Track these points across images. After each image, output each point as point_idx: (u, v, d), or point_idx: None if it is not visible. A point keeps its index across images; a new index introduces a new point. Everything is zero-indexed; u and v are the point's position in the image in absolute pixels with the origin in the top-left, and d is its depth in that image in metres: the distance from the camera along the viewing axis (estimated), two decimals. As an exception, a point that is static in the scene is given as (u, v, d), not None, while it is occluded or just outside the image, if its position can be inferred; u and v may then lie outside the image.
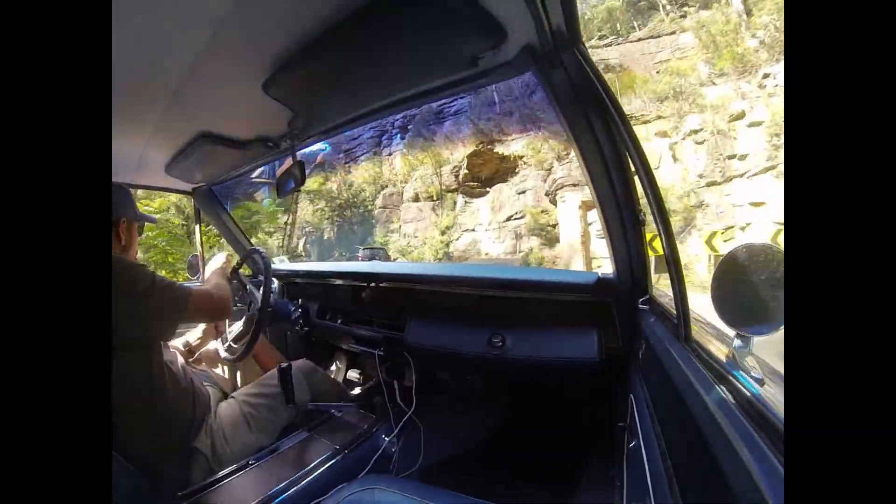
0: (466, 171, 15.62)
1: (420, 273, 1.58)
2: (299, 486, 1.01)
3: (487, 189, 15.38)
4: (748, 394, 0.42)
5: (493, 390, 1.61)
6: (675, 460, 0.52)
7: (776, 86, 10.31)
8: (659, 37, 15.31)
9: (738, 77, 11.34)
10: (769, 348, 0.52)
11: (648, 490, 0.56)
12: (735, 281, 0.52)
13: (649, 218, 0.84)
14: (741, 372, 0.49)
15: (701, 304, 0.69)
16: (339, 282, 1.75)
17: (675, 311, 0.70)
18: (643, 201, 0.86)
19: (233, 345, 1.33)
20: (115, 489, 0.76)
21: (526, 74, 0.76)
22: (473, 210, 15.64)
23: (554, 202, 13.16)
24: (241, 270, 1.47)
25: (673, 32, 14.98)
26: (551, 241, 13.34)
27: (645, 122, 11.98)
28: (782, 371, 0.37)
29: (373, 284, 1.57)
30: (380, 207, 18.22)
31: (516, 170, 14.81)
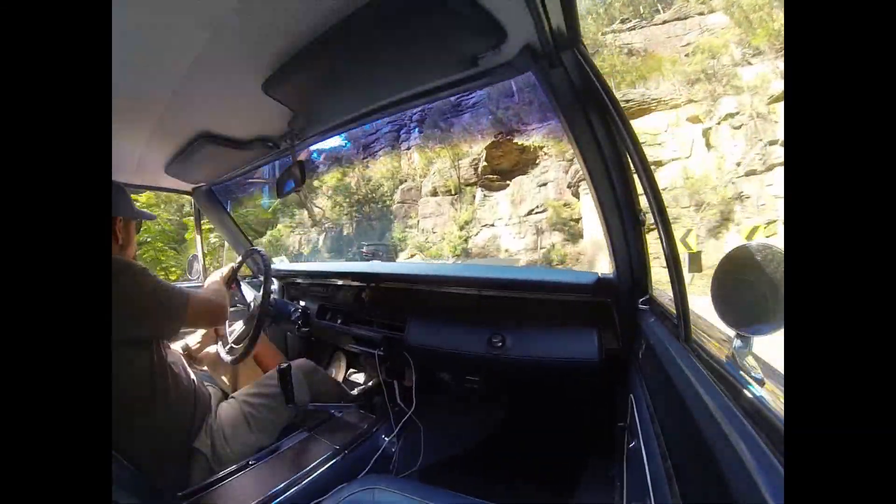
0: (485, 163, 15.11)
1: (420, 273, 1.58)
2: (299, 486, 1.01)
3: (507, 182, 14.81)
4: (748, 394, 0.42)
5: (493, 390, 1.61)
6: (675, 460, 0.52)
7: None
8: (686, 18, 14.01)
9: (776, 56, 10.36)
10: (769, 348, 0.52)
11: (648, 490, 0.56)
12: (735, 281, 0.52)
13: (650, 218, 0.84)
14: (741, 372, 0.49)
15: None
16: (339, 282, 1.75)
17: (675, 311, 0.70)
18: (643, 200, 0.86)
19: (234, 346, 1.33)
20: (115, 489, 0.76)
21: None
22: (493, 204, 15.12)
23: (577, 195, 12.30)
24: (241, 271, 1.47)
25: (701, 13, 13.59)
26: (574, 236, 12.61)
27: (675, 107, 11.17)
28: (782, 371, 0.37)
29: (373, 284, 1.57)
30: (398, 202, 17.90)
31: (537, 161, 14.18)
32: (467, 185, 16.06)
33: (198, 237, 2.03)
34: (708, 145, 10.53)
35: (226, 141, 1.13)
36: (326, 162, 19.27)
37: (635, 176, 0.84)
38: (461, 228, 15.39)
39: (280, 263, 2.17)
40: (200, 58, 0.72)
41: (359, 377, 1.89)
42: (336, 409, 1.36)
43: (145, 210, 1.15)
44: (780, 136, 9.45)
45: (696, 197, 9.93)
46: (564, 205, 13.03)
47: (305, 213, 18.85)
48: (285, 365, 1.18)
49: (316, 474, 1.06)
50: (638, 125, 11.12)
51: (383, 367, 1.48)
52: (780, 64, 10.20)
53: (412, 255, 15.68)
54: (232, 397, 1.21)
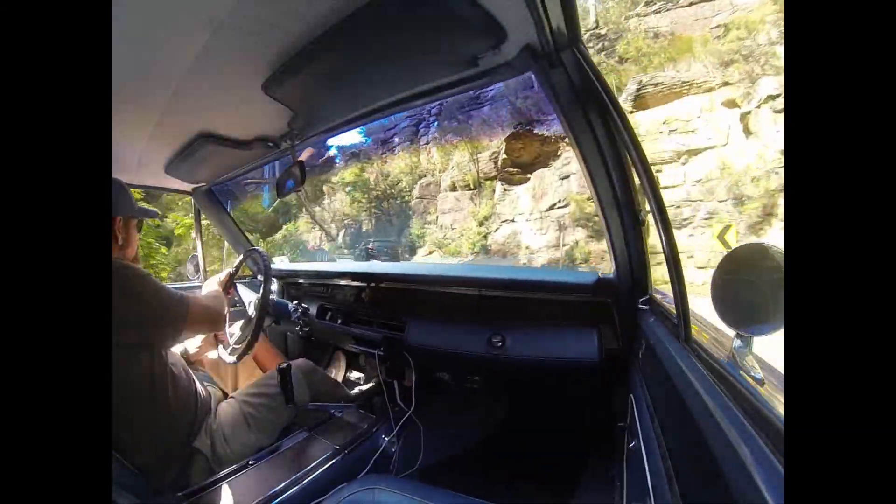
0: (505, 156, 14.17)
1: (420, 273, 1.58)
2: (299, 486, 1.01)
3: (528, 175, 13.91)
4: (748, 394, 0.42)
5: (493, 390, 1.61)
6: (675, 460, 0.52)
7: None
8: (715, -2, 12.96)
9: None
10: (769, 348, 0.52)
11: (648, 490, 0.56)
12: (735, 281, 0.52)
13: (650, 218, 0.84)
14: (741, 372, 0.49)
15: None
16: (339, 282, 1.75)
17: (675, 311, 0.70)
18: (642, 200, 0.86)
19: (234, 346, 1.33)
20: (114, 489, 0.76)
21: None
22: (513, 198, 14.16)
23: None
24: (240, 271, 1.47)
25: (731, -7, 12.25)
26: (599, 233, 11.49)
27: (709, 90, 10.27)
28: (782, 371, 0.37)
29: (373, 284, 1.57)
30: (417, 198, 17.49)
31: (559, 153, 13.05)
32: (487, 180, 15.37)
33: (198, 237, 2.03)
34: (746, 131, 9.37)
35: (226, 141, 1.13)
36: (345, 158, 19.12)
37: (635, 175, 0.84)
38: (480, 224, 14.71)
39: (280, 263, 2.17)
40: (200, 58, 0.72)
41: (359, 377, 1.89)
42: (336, 409, 1.36)
43: (146, 207, 1.14)
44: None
45: (735, 189, 9.08)
46: (588, 199, 11.92)
47: (325, 209, 18.76)
48: (285, 365, 1.18)
49: (316, 474, 1.06)
50: (669, 111, 10.65)
51: (383, 367, 1.48)
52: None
53: (430, 252, 15.20)
54: (231, 397, 1.21)
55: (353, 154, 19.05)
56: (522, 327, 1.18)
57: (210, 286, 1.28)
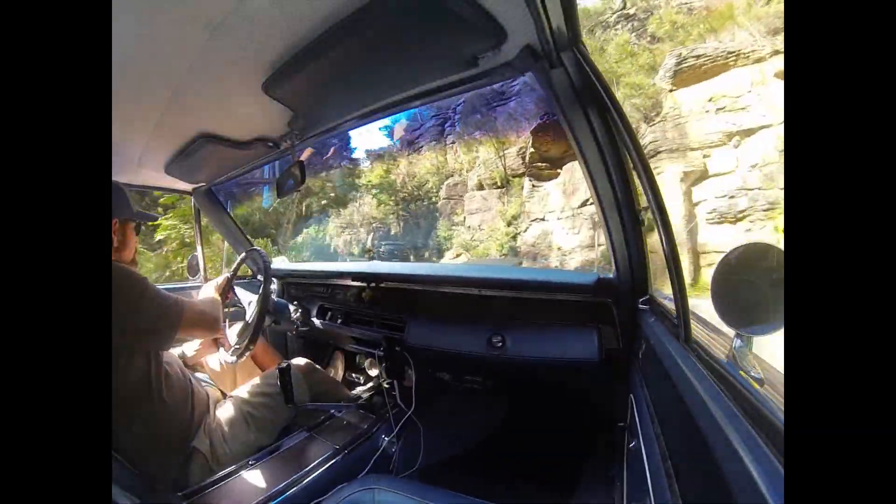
0: (533, 150, 13.23)
1: (420, 273, 1.58)
2: (299, 486, 1.01)
3: (557, 170, 12.91)
4: (748, 394, 0.42)
5: (493, 390, 1.61)
6: (675, 460, 0.52)
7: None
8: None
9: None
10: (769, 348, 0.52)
11: (648, 490, 0.56)
12: (735, 281, 0.52)
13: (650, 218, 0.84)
14: (741, 372, 0.49)
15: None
16: (339, 282, 1.75)
17: (675, 311, 0.70)
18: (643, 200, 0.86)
19: (235, 347, 1.33)
20: (114, 489, 0.76)
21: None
22: (542, 195, 12.97)
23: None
24: (240, 271, 1.47)
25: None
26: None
27: (758, 61, 9.06)
28: (782, 371, 0.37)
29: (373, 284, 1.57)
30: (444, 199, 16.84)
31: None
32: (514, 177, 14.47)
33: (198, 237, 2.03)
34: (807, 105, 9.05)
35: (226, 141, 1.13)
36: (370, 159, 18.82)
37: (635, 175, 0.84)
38: (509, 224, 13.84)
39: (280, 263, 2.17)
40: (200, 58, 0.72)
41: (359, 377, 1.89)
42: (336, 409, 1.36)
43: (146, 211, 1.14)
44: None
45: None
46: None
47: (354, 212, 18.49)
48: (285, 364, 1.18)
49: (316, 474, 1.06)
50: (714, 86, 9.39)
51: (383, 367, 1.48)
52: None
53: (458, 256, 14.54)
54: (231, 397, 1.21)
55: (378, 156, 18.78)
56: (522, 327, 1.18)
57: (207, 291, 1.28)
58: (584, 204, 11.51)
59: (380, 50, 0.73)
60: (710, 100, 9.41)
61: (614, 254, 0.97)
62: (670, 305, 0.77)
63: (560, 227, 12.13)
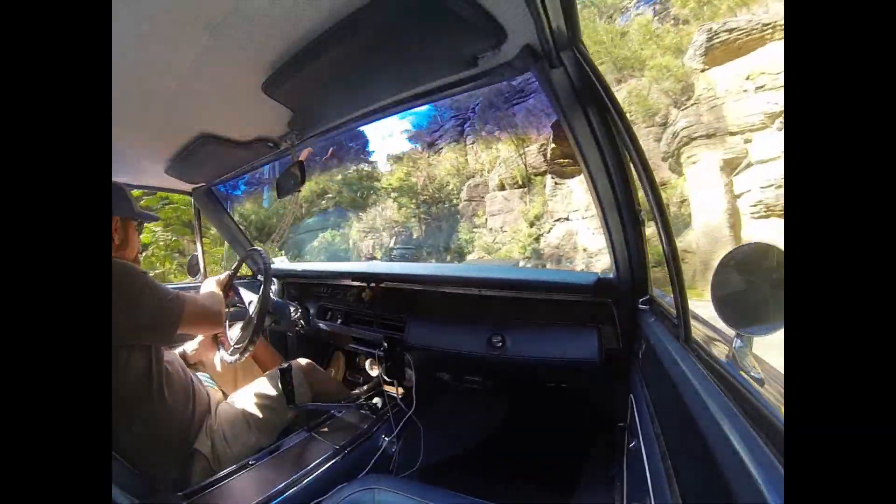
0: (554, 145, 12.71)
1: (420, 273, 1.58)
2: (299, 486, 1.01)
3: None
4: (748, 394, 0.42)
5: (493, 390, 1.61)
6: (675, 460, 0.52)
7: None
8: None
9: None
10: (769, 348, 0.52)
11: (648, 490, 0.56)
12: (735, 281, 0.52)
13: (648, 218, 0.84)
14: (741, 372, 0.49)
15: None
16: (339, 282, 1.75)
17: (675, 311, 0.70)
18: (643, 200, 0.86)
19: (235, 347, 1.33)
20: (114, 489, 0.76)
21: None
22: (565, 193, 12.58)
23: (677, 168, 9.14)
24: (240, 271, 1.47)
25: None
26: (676, 226, 8.72)
27: None
28: (782, 371, 0.37)
29: (373, 284, 1.57)
30: (465, 200, 16.59)
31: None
32: (536, 175, 13.96)
33: (198, 237, 2.03)
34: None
35: (226, 141, 1.13)
36: (390, 161, 18.76)
37: (635, 175, 0.84)
38: (531, 225, 13.27)
39: (280, 263, 2.17)
40: (200, 58, 0.72)
41: (359, 377, 1.89)
42: (336, 409, 1.36)
43: (147, 211, 1.14)
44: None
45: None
46: (661, 184, 9.00)
47: (377, 217, 18.35)
48: (286, 365, 1.18)
49: (316, 474, 1.06)
50: (751, 63, 8.47)
51: (383, 367, 1.48)
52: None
53: (480, 259, 14.19)
54: (232, 398, 1.20)
55: (397, 158, 18.67)
56: (522, 327, 1.18)
57: (208, 286, 1.28)
58: (610, 201, 10.97)
59: (380, 50, 0.73)
60: (747, 78, 8.66)
61: (614, 254, 0.97)
62: (670, 306, 0.77)
63: (585, 227, 11.57)
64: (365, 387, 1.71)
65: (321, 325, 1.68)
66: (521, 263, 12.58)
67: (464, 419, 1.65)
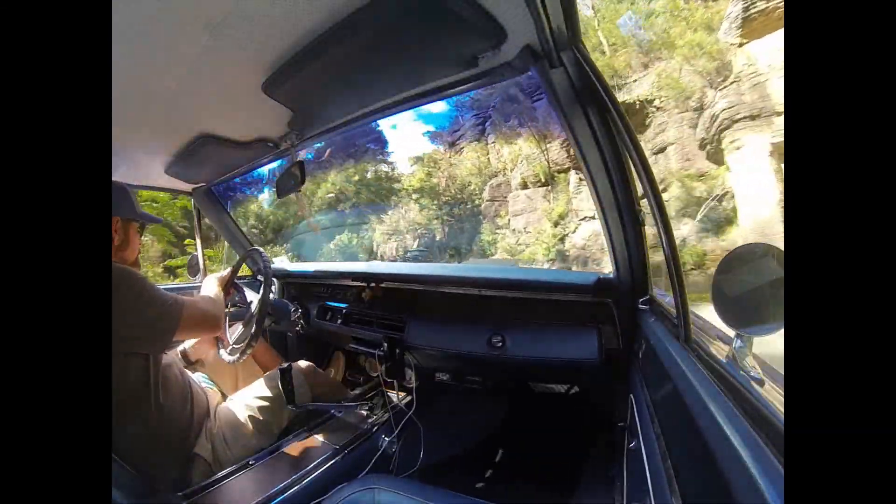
0: None
1: (420, 273, 1.58)
2: (299, 486, 1.01)
3: None
4: (748, 394, 0.42)
5: (493, 390, 1.61)
6: (675, 460, 0.52)
7: None
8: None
9: None
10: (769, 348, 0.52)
11: (648, 490, 0.56)
12: (735, 281, 0.52)
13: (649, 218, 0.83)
14: (741, 372, 0.49)
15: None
16: (339, 282, 1.75)
17: (675, 311, 0.70)
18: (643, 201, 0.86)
19: (235, 347, 1.33)
20: (114, 490, 0.76)
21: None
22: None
23: (717, 156, 8.02)
24: (239, 272, 1.47)
25: None
26: (718, 223, 7.98)
27: None
28: (782, 371, 0.37)
29: (373, 284, 1.57)
30: (487, 200, 16.17)
31: (646, 120, 10.03)
32: (560, 172, 13.33)
33: (197, 238, 2.03)
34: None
35: (226, 141, 1.13)
36: (410, 162, 18.61)
37: (635, 175, 0.84)
38: (555, 225, 12.60)
39: (280, 263, 2.17)
40: (200, 58, 0.72)
41: (359, 377, 1.89)
42: (336, 409, 1.36)
43: (149, 213, 1.12)
44: None
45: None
46: (699, 175, 8.27)
47: (400, 219, 18.11)
48: (286, 365, 1.18)
49: (316, 474, 1.06)
50: (779, 42, 7.27)
51: (383, 367, 1.48)
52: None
53: (504, 261, 13.66)
54: (232, 399, 1.20)
55: (418, 158, 18.45)
56: (522, 327, 1.18)
57: (209, 285, 1.26)
58: (642, 195, 10.27)
59: (380, 50, 0.73)
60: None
61: (614, 254, 0.97)
62: (670, 306, 0.77)
63: (613, 226, 11.02)
64: (365, 387, 1.71)
65: (321, 325, 1.68)
66: (546, 266, 11.88)
67: (464, 419, 1.65)
